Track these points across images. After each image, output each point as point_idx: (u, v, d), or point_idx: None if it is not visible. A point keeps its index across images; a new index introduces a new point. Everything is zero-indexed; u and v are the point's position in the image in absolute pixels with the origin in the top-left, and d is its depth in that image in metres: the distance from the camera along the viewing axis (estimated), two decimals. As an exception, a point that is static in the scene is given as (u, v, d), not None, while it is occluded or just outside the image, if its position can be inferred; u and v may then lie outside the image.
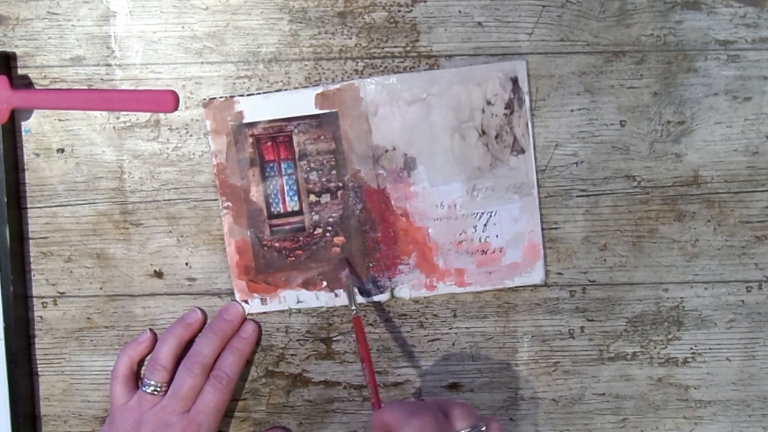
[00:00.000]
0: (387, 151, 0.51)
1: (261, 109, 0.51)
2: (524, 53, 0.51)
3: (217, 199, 0.52)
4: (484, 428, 0.43)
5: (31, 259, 0.53)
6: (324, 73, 0.51)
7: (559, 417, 0.54)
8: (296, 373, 0.54)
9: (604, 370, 0.53)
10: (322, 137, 0.51)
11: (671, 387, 0.53)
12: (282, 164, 0.52)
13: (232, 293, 0.53)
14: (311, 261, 0.52)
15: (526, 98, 0.51)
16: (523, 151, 0.51)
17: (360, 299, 0.52)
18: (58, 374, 0.54)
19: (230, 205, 0.52)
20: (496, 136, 0.51)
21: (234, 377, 0.51)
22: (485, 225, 0.52)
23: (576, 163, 0.52)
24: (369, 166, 0.51)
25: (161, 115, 0.52)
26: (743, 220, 0.52)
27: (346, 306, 0.53)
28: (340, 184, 0.52)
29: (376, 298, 0.53)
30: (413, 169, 0.51)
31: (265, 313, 0.53)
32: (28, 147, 0.52)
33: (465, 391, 0.53)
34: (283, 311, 0.53)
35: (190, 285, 0.53)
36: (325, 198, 0.52)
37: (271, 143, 0.51)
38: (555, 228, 0.52)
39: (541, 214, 0.52)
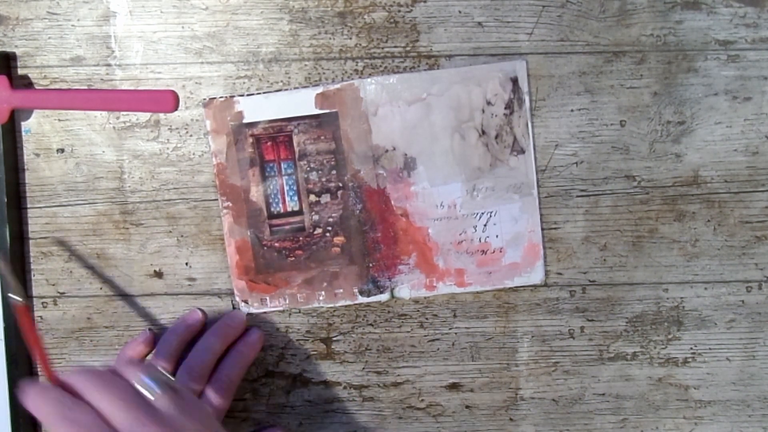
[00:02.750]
0: (387, 151, 0.51)
1: (261, 109, 0.51)
2: (524, 53, 0.51)
3: (217, 199, 0.52)
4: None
5: (31, 259, 0.53)
6: (324, 73, 0.51)
7: (559, 417, 0.54)
8: (296, 373, 0.54)
9: (604, 370, 0.53)
10: (322, 137, 0.51)
11: (671, 387, 0.53)
12: (282, 164, 0.52)
13: (232, 293, 0.53)
14: (311, 261, 0.52)
15: (526, 98, 0.51)
16: (523, 151, 0.51)
17: (360, 299, 0.52)
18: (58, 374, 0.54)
19: (230, 205, 0.52)
20: (496, 136, 0.51)
21: (235, 381, 0.51)
22: (485, 225, 0.52)
23: (576, 163, 0.52)
24: (369, 166, 0.51)
25: (161, 115, 0.52)
26: (743, 220, 0.52)
27: (346, 306, 0.53)
28: (340, 184, 0.52)
29: (376, 298, 0.53)
30: (413, 169, 0.51)
31: (265, 313, 0.53)
32: (28, 147, 0.52)
33: (465, 391, 0.54)
34: (283, 311, 0.53)
35: (190, 285, 0.53)
36: (325, 198, 0.52)
37: (271, 143, 0.51)
38: (555, 228, 0.52)
39: (541, 214, 0.52)
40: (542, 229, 0.52)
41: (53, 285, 0.53)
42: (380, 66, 0.51)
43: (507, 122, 0.51)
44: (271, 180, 0.52)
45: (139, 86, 0.52)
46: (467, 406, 0.54)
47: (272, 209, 0.52)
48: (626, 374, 0.53)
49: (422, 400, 0.54)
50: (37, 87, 0.52)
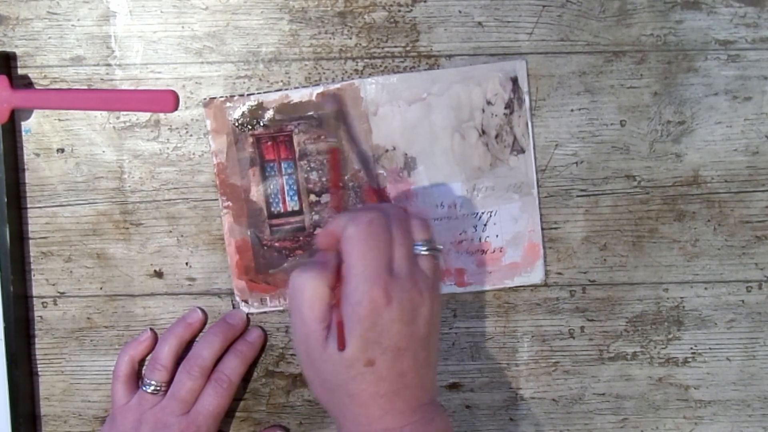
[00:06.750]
0: (387, 150, 0.51)
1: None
2: (524, 53, 0.51)
3: (217, 199, 0.52)
4: (441, 248, 0.45)
5: (31, 259, 0.53)
6: (324, 73, 0.51)
7: (559, 417, 0.54)
8: (296, 373, 0.54)
9: (604, 370, 0.53)
10: (323, 137, 0.51)
11: (671, 387, 0.53)
12: (282, 164, 0.52)
13: (232, 293, 0.53)
14: (311, 261, 0.52)
15: (526, 98, 0.51)
16: (523, 151, 0.51)
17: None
18: (58, 374, 0.54)
19: (230, 204, 0.52)
20: (496, 136, 0.51)
21: (235, 381, 0.51)
22: (485, 225, 0.52)
23: (576, 163, 0.52)
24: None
25: (161, 115, 0.52)
26: (743, 220, 0.52)
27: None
28: (341, 184, 0.52)
29: (376, 298, 0.53)
30: (413, 168, 0.51)
31: (265, 312, 0.53)
32: (28, 147, 0.52)
33: (465, 391, 0.53)
34: (283, 311, 0.53)
35: (190, 285, 0.53)
36: (325, 198, 0.52)
37: (271, 143, 0.51)
38: (555, 228, 0.52)
39: (541, 214, 0.52)
40: (542, 229, 0.52)
41: (53, 285, 0.53)
42: (380, 66, 0.51)
43: (507, 122, 0.51)
44: (271, 180, 0.52)
45: (139, 86, 0.52)
46: (467, 406, 0.54)
47: (272, 209, 0.52)
48: (626, 374, 0.53)
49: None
50: (37, 87, 0.52)
